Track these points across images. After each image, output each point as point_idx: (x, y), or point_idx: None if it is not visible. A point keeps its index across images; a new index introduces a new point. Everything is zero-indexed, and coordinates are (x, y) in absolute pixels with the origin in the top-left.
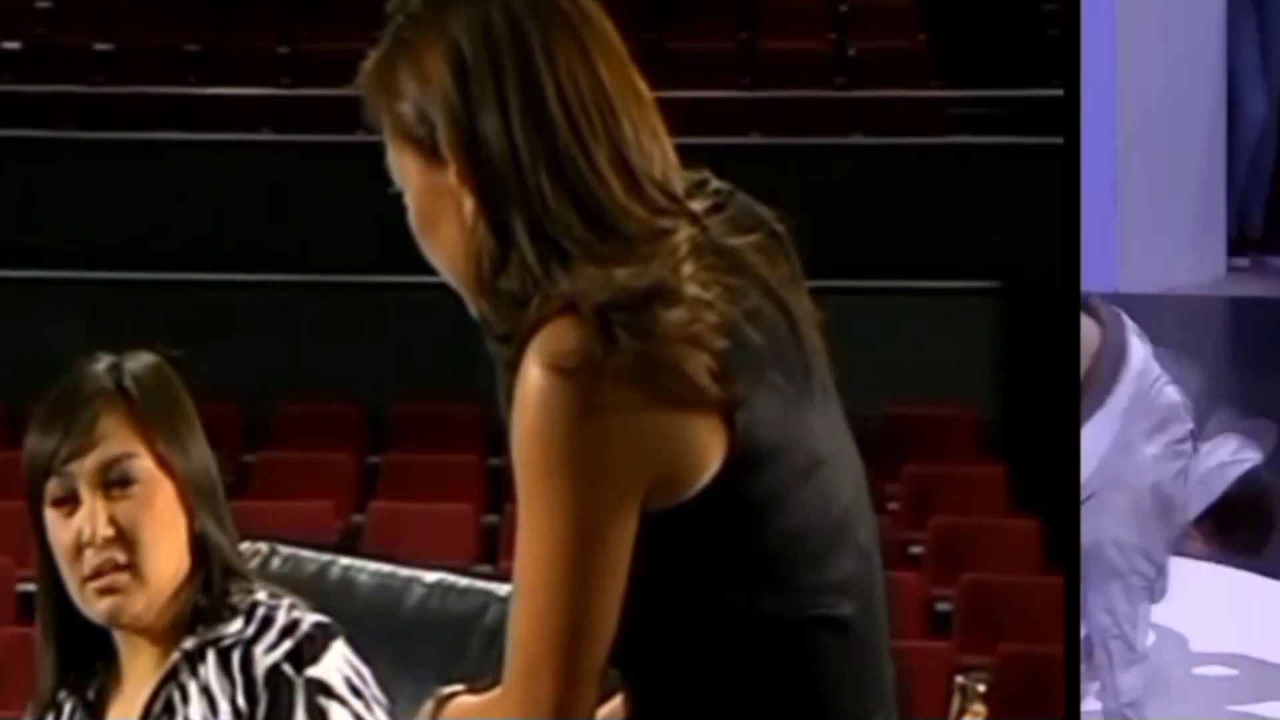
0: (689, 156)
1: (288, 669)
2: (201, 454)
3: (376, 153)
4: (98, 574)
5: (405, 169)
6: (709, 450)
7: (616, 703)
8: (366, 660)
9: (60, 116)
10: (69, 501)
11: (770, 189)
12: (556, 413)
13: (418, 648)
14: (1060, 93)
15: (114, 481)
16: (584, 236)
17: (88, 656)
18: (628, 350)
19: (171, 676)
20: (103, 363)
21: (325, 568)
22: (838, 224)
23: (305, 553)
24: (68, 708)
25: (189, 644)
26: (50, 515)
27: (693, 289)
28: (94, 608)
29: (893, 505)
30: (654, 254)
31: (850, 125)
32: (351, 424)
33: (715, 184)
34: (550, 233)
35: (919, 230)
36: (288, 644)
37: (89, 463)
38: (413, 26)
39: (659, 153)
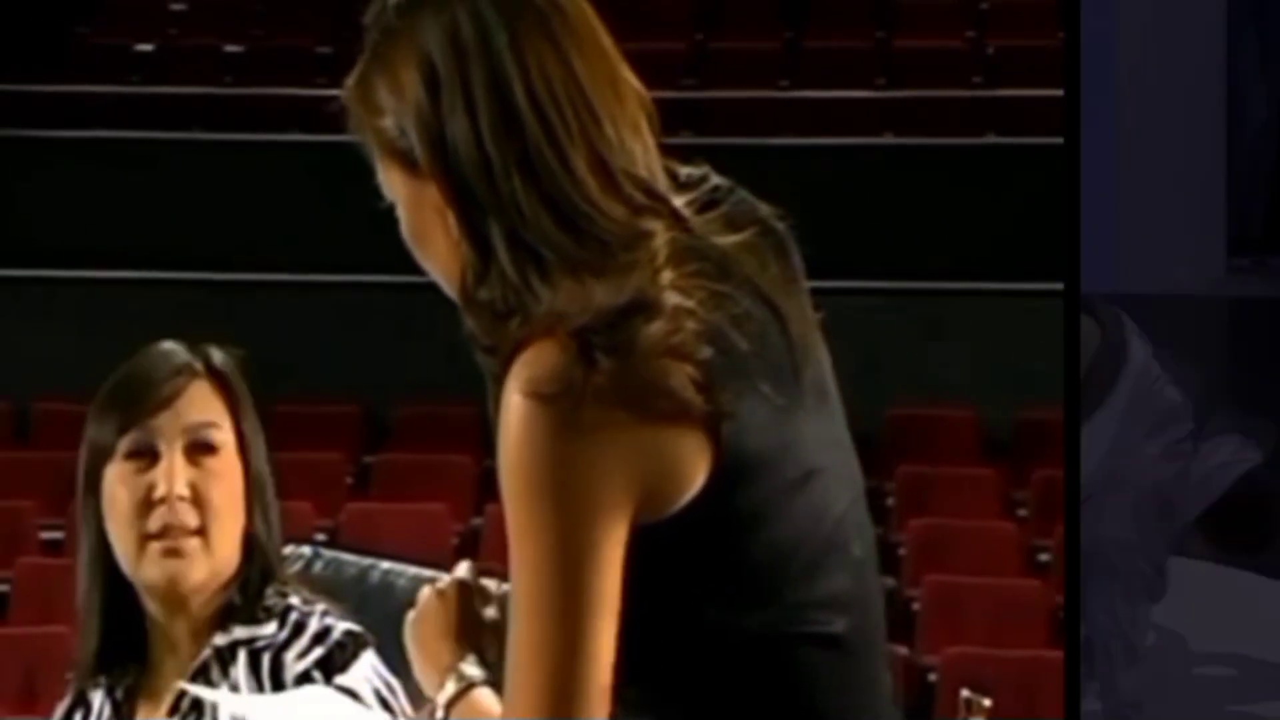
0: (823, 156)
1: (317, 676)
2: (264, 454)
3: None
4: (164, 533)
5: (393, 183)
6: (695, 463)
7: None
8: (404, 663)
9: (189, 118)
10: (145, 456)
11: (905, 188)
12: (539, 439)
13: None
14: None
15: (197, 445)
16: (561, 242)
17: (123, 648)
18: (608, 369)
19: (202, 673)
20: (182, 346)
21: (366, 571)
22: (977, 225)
23: (347, 556)
24: (97, 703)
25: (220, 640)
26: (118, 470)
27: (673, 298)
28: (153, 570)
29: (1022, 512)
30: (633, 262)
31: (987, 125)
32: (470, 427)
33: (714, 180)
34: (527, 240)
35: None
36: (318, 651)
37: (179, 421)
38: (386, 40)
39: (641, 149)
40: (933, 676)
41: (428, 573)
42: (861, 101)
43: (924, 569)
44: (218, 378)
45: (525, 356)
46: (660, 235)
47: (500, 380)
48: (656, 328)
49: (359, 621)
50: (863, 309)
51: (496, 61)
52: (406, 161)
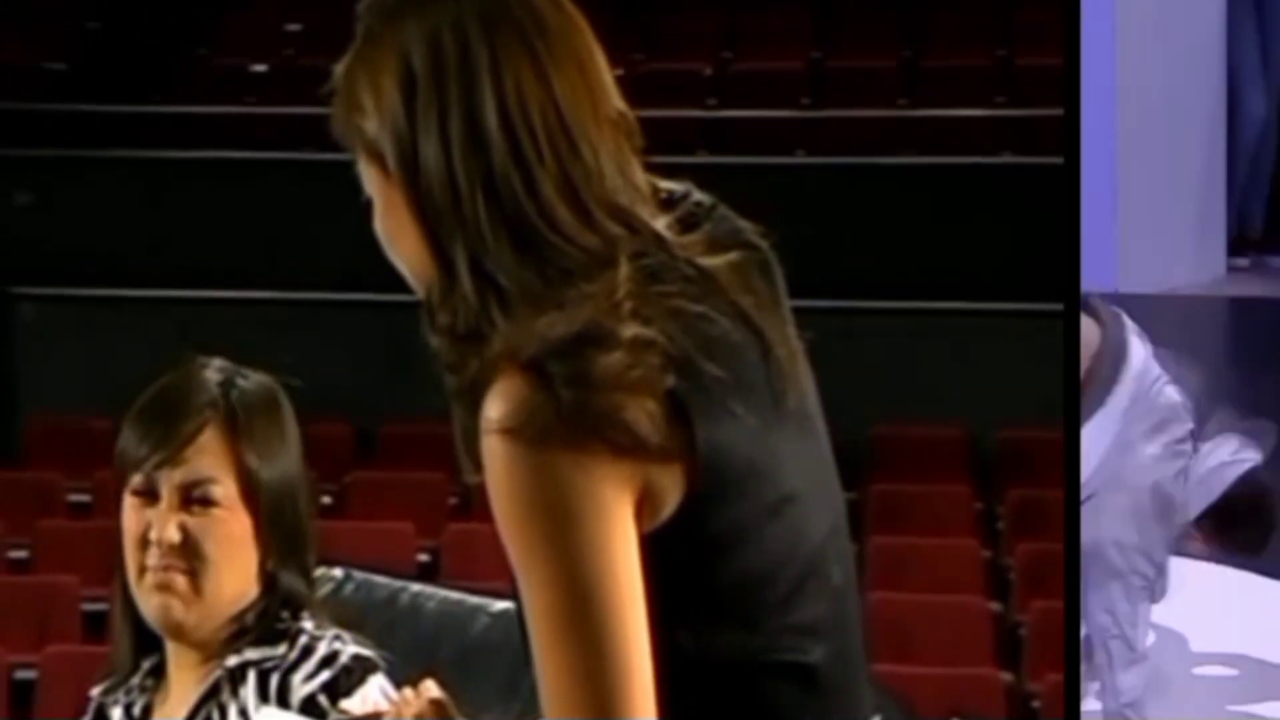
0: (939, 175)
1: (323, 700)
2: (291, 485)
3: None
4: (156, 569)
5: (370, 181)
6: (667, 487)
7: None
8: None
9: (303, 138)
10: (148, 496)
11: (1022, 206)
12: (520, 466)
13: (478, 675)
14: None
15: (195, 500)
16: (522, 275)
17: (145, 659)
18: (567, 398)
19: (212, 694)
20: (216, 373)
21: (395, 594)
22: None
23: (378, 579)
24: (115, 717)
25: (231, 661)
26: (128, 501)
27: (632, 329)
28: (147, 602)
29: None
30: (592, 294)
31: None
32: None
33: (696, 197)
34: (488, 268)
35: None
36: (325, 675)
37: (177, 475)
38: (370, 41)
39: (621, 176)
40: (1036, 703)
41: (455, 596)
42: (979, 120)
43: (1031, 594)
44: (232, 422)
45: (489, 400)
46: (625, 265)
47: (460, 400)
48: (614, 360)
49: (387, 644)
50: (981, 329)
51: (474, 79)
52: (381, 164)
